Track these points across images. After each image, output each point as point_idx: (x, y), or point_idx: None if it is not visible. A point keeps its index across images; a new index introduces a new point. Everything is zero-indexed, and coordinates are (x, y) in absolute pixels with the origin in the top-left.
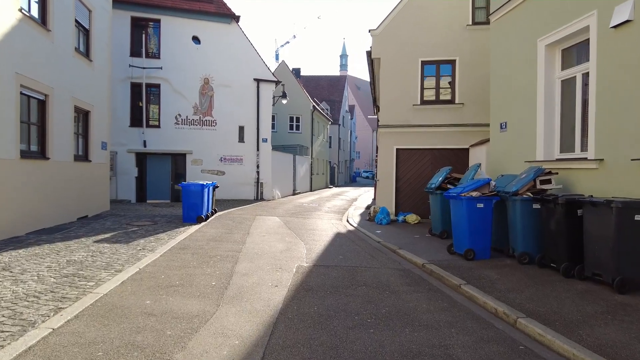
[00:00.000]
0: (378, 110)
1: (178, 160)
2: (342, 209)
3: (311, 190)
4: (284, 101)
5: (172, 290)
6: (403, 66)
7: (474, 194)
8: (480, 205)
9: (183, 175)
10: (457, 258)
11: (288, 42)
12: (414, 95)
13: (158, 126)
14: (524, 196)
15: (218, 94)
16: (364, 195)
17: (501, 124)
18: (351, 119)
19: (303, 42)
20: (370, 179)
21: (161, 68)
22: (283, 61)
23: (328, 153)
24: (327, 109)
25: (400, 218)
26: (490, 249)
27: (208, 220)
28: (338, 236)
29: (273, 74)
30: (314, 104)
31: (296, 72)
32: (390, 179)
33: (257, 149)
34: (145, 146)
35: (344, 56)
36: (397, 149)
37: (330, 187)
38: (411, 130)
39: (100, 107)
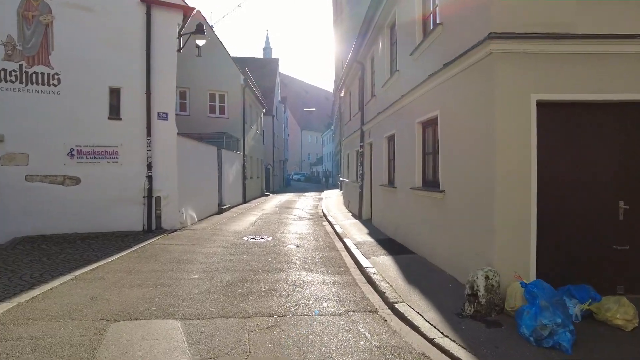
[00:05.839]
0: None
1: None
2: (330, 247)
3: (245, 202)
4: (201, 42)
5: None
6: None
7: None
8: None
9: None
10: None
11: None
12: None
13: None
14: None
15: (63, 24)
16: (325, 206)
17: None
18: (284, 111)
19: (222, 34)
20: (302, 182)
21: None
22: (198, 10)
23: (263, 150)
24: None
25: (576, 311)
26: None
27: None
28: None
29: None
30: (246, 77)
31: None
32: (518, 185)
33: (148, 134)
34: None
35: (267, 49)
36: (538, 103)
37: (267, 195)
38: (574, 50)
39: None
